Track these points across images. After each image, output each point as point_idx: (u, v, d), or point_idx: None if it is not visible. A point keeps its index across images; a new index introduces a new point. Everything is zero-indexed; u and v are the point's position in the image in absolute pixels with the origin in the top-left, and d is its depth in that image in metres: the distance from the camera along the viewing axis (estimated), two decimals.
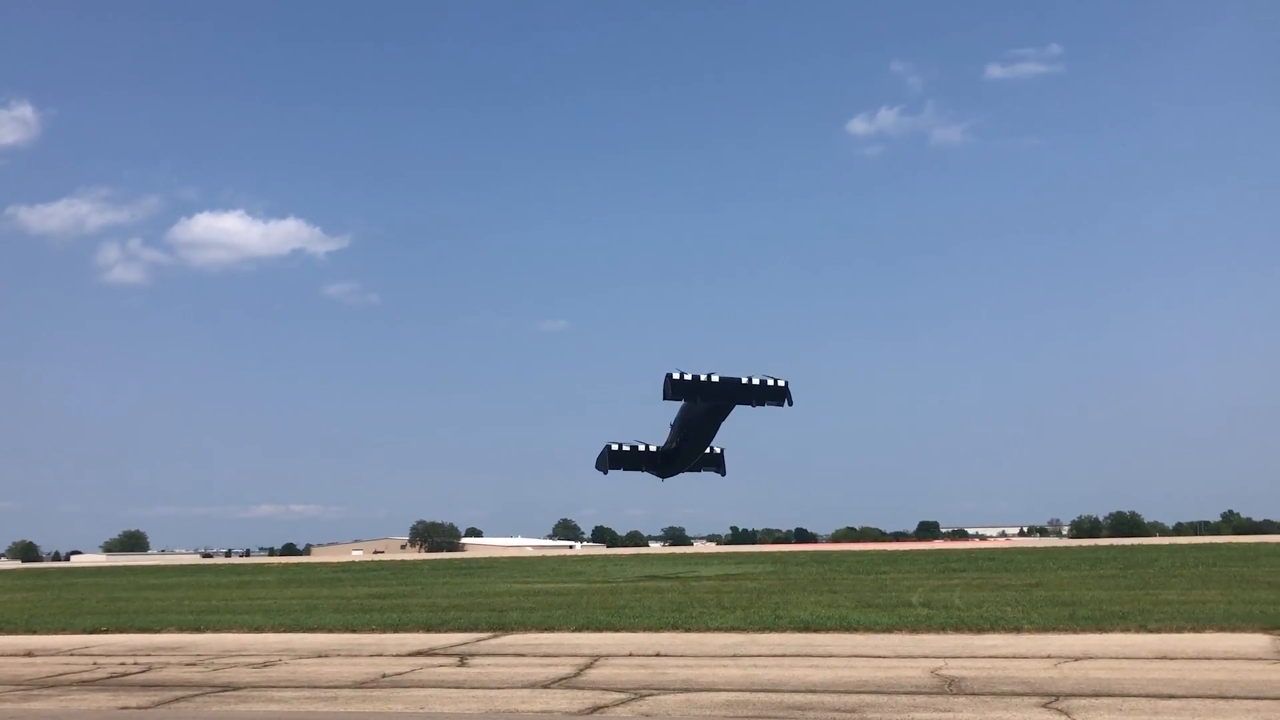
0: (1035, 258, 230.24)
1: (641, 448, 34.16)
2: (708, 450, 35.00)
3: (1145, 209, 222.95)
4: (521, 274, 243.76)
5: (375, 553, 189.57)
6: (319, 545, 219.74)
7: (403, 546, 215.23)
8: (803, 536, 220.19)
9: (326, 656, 14.42)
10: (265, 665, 13.52)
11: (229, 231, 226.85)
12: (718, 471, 36.68)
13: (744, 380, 31.17)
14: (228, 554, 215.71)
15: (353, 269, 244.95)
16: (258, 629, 18.98)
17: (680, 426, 33.35)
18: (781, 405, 31.75)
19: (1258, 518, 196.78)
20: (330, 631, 18.16)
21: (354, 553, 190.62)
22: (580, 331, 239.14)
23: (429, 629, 17.85)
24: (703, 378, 30.99)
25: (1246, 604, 18.20)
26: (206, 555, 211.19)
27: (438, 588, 33.79)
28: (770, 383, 31.25)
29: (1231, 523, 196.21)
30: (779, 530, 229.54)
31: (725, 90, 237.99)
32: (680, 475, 35.87)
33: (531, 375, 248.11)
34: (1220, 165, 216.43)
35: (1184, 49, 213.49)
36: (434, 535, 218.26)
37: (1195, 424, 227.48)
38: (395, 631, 17.73)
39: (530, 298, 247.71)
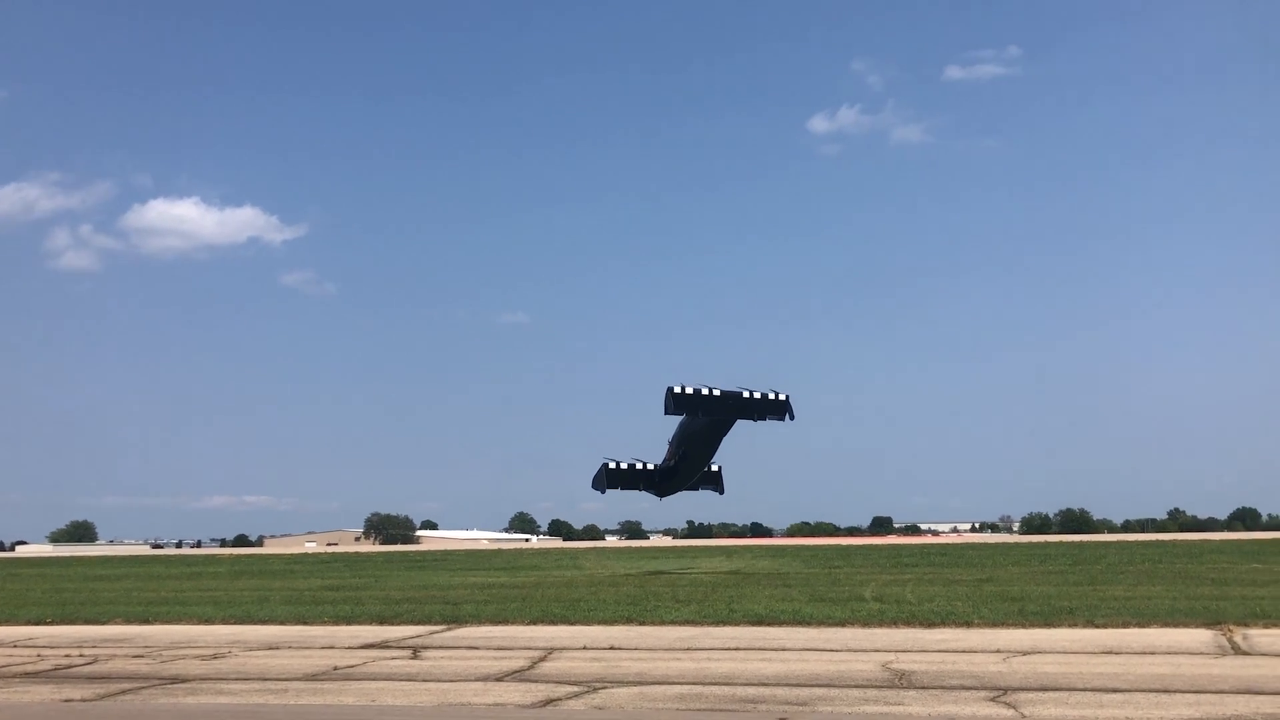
0: (990, 258, 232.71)
1: (639, 465, 32.92)
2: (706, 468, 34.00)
3: (1100, 211, 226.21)
4: (481, 266, 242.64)
5: (329, 545, 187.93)
6: (272, 537, 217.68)
7: (357, 539, 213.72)
8: (758, 531, 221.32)
9: (277, 649, 14.29)
10: (215, 657, 13.37)
11: (183, 219, 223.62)
12: (716, 490, 35.45)
13: (745, 394, 30.33)
14: (178, 545, 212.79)
15: (309, 258, 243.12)
16: (207, 621, 18.76)
17: (679, 442, 32.26)
18: (782, 419, 30.86)
19: (1202, 516, 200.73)
20: (282, 624, 18.00)
21: (307, 545, 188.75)
22: (540, 325, 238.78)
23: (382, 621, 17.74)
24: (704, 391, 30.14)
25: (1190, 600, 18.55)
26: (156, 546, 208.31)
27: (391, 580, 33.58)
28: (771, 396, 30.38)
29: (1177, 520, 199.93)
30: (735, 525, 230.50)
31: (688, 84, 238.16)
32: (678, 494, 34.78)
33: (490, 368, 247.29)
34: (1175, 166, 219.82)
35: (1140, 52, 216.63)
36: (389, 528, 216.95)
37: (1144, 425, 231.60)
38: (348, 624, 17.61)
39: (490, 290, 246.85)
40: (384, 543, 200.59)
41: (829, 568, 36.95)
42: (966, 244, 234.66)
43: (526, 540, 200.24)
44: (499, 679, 11.12)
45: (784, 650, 12.93)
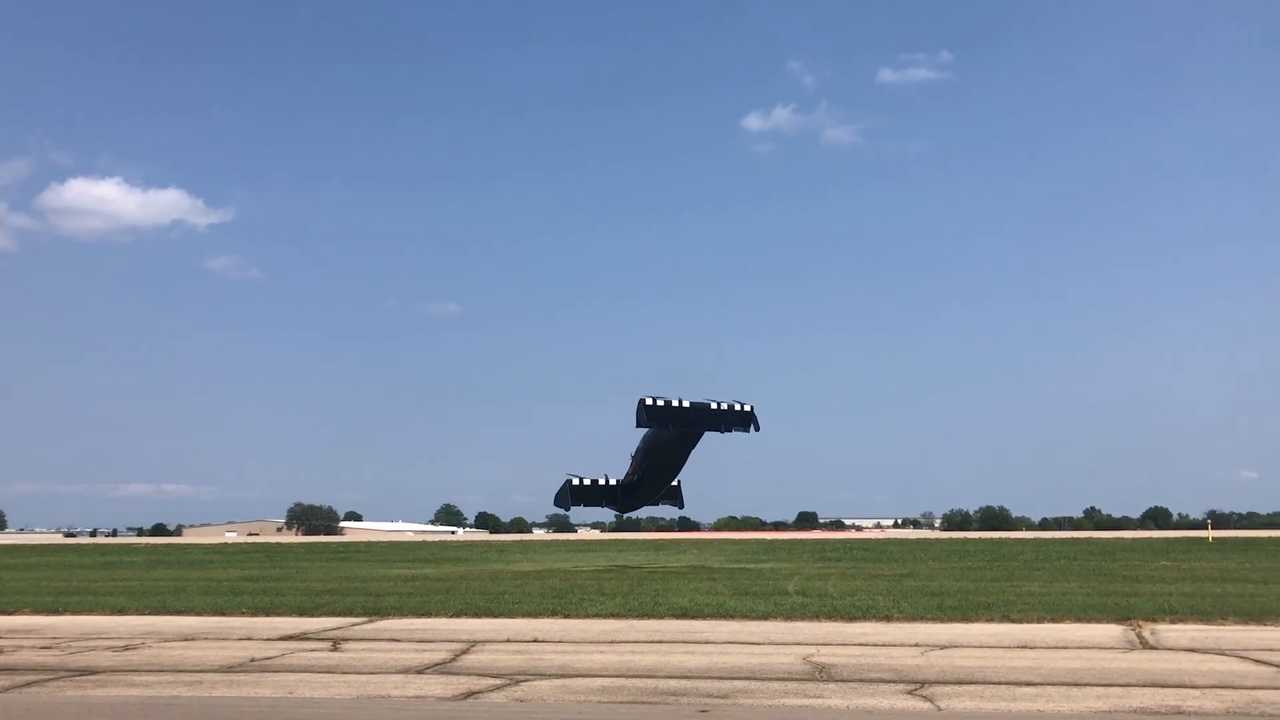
0: (915, 259, 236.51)
1: (602, 481, 32.21)
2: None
3: (1023, 215, 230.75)
4: (413, 255, 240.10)
5: (250, 535, 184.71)
6: (191, 526, 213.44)
7: (279, 529, 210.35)
8: (685, 525, 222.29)
9: (193, 640, 13.99)
10: (127, 649, 13.05)
11: (105, 199, 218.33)
12: (676, 504, 34.73)
13: (713, 405, 29.76)
14: (93, 534, 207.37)
15: (235, 243, 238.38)
16: (121, 611, 18.30)
17: (644, 455, 31.33)
18: (747, 430, 30.36)
19: (1117, 515, 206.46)
20: (198, 614, 17.63)
21: (227, 535, 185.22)
22: (471, 316, 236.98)
23: (302, 613, 17.46)
24: (675, 403, 29.44)
25: (1102, 596, 19.03)
26: (70, 535, 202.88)
27: (313, 571, 33.09)
28: (738, 408, 29.92)
29: (1093, 519, 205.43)
30: (662, 519, 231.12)
31: (626, 76, 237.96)
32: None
33: (418, 359, 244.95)
34: (1097, 169, 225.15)
35: (1068, 59, 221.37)
36: (311, 518, 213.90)
37: (1062, 427, 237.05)
38: (267, 615, 17.30)
39: (421, 280, 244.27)
40: (307, 534, 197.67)
41: (754, 561, 37.21)
42: (893, 244, 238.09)
43: (453, 533, 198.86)
44: (420, 671, 11.01)
45: (707, 643, 12.99)
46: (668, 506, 34.99)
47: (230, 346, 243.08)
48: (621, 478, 32.64)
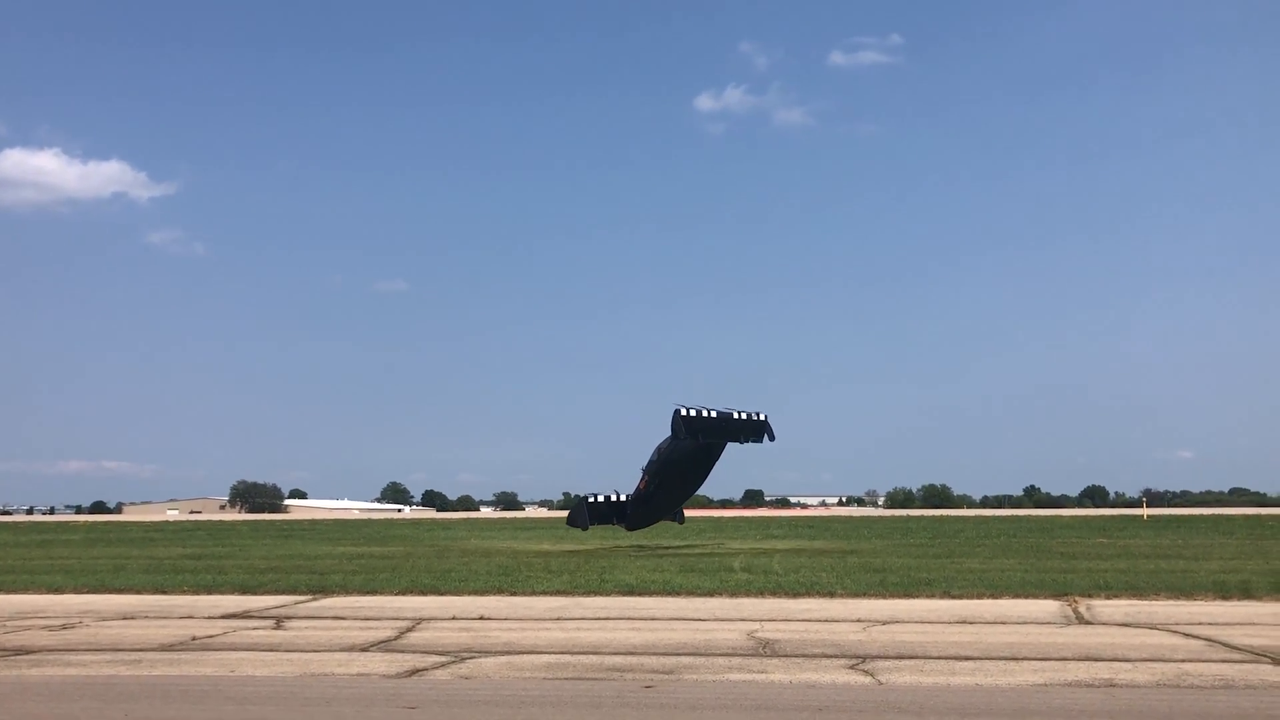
0: (862, 240, 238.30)
1: (614, 498, 30.63)
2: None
3: (970, 199, 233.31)
4: (360, 232, 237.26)
5: (192, 513, 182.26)
6: (131, 504, 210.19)
7: (222, 507, 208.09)
8: (599, 493, 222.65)
9: (133, 619, 13.80)
10: (64, 628, 12.84)
11: (42, 170, 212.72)
12: (677, 520, 33.26)
13: (736, 415, 28.52)
14: (29, 512, 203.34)
15: (178, 217, 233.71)
16: (57, 590, 17.99)
17: (663, 468, 29.47)
18: (761, 441, 29.16)
19: (1056, 493, 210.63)
20: (138, 593, 17.38)
21: (169, 512, 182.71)
22: (419, 293, 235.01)
23: (245, 591, 17.29)
24: (705, 413, 28.02)
25: (1040, 572, 19.41)
26: (4, 513, 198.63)
27: (256, 549, 32.74)
28: (756, 417, 28.81)
29: (1033, 497, 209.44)
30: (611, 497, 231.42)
31: (575, 53, 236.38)
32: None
33: (365, 335, 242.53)
34: (1043, 157, 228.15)
35: (1021, 46, 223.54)
36: (255, 496, 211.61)
37: (1003, 406, 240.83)
38: (209, 593, 17.11)
39: (368, 256, 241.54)
40: (250, 511, 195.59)
41: (702, 538, 37.42)
42: (840, 225, 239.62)
43: (399, 511, 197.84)
44: (364, 649, 10.96)
45: (653, 620, 13.07)
46: (667, 521, 33.23)
47: (172, 322, 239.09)
48: (631, 493, 30.87)
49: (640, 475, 30.47)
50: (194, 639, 11.76)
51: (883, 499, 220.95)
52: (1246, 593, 15.34)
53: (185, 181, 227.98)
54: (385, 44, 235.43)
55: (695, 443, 28.51)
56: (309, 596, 16.41)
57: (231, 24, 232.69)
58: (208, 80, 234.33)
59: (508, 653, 10.59)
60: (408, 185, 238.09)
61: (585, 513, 29.39)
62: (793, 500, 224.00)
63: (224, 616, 13.90)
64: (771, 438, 28.98)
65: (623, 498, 30.57)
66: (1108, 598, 15.01)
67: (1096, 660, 9.74)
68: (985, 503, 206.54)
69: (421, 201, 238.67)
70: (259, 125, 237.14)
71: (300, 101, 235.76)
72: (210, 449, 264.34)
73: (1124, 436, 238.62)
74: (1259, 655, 9.98)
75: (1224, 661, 9.67)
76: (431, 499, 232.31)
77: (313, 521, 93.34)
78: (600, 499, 30.43)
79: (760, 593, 16.03)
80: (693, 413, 27.83)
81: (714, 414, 28.22)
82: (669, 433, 28.30)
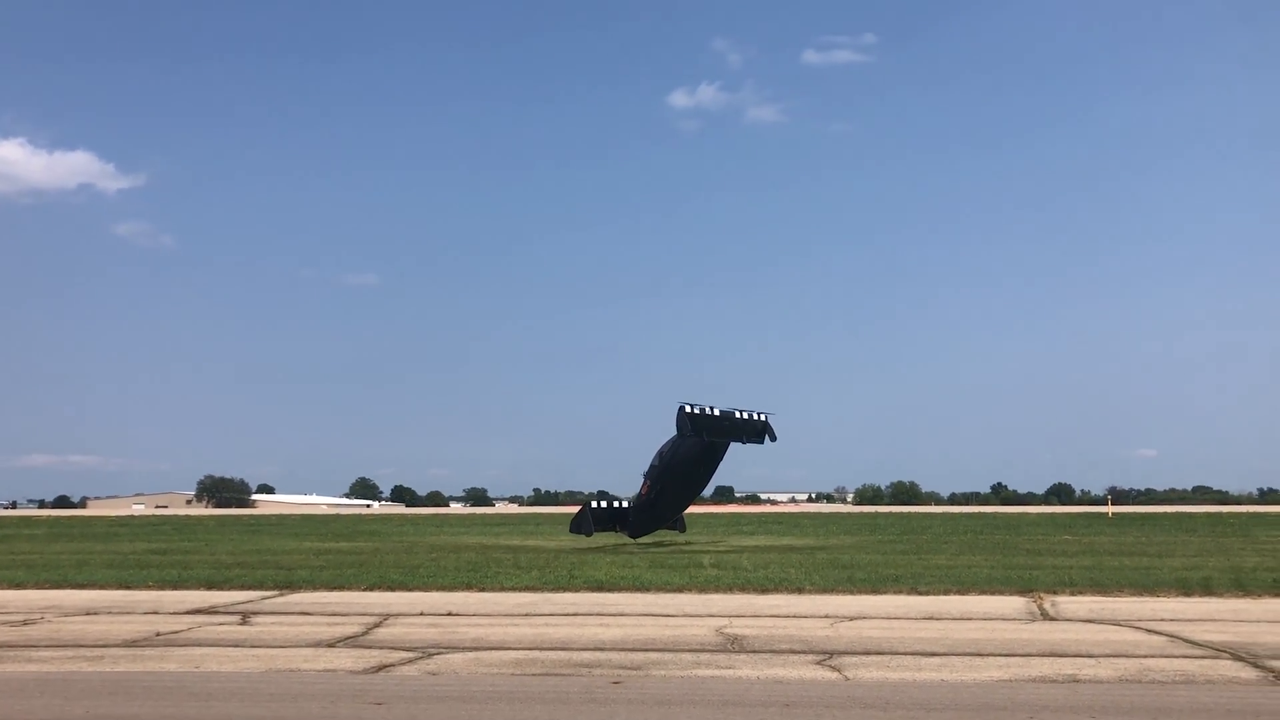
0: (832, 238, 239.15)
1: (617, 504, 30.09)
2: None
3: (941, 198, 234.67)
4: (331, 225, 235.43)
5: (158, 508, 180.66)
6: (96, 499, 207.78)
7: (189, 502, 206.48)
8: (603, 498, 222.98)
9: (96, 614, 13.65)
10: (25, 623, 12.68)
11: (7, 160, 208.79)
12: (678, 528, 32.33)
13: (739, 414, 28.24)
14: None
15: (146, 209, 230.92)
16: (19, 585, 17.77)
17: (665, 470, 29.00)
18: (762, 442, 28.95)
19: (1023, 490, 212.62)
20: (102, 588, 17.21)
21: (135, 507, 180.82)
22: (389, 287, 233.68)
23: (211, 586, 17.15)
24: (708, 410, 27.66)
25: (1006, 569, 19.58)
26: None
27: (223, 544, 32.48)
28: (759, 417, 28.60)
29: (1000, 495, 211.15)
30: (581, 493, 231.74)
31: (548, 49, 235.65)
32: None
33: (335, 329, 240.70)
34: (1012, 158, 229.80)
35: (994, 45, 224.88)
36: (223, 491, 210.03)
37: (972, 404, 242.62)
38: (174, 588, 16.96)
39: (339, 250, 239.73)
40: (217, 506, 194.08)
41: (672, 535, 37.38)
42: (811, 223, 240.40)
43: (368, 506, 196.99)
44: (331, 645, 10.90)
45: (622, 615, 13.08)
46: (667, 529, 32.21)
47: (139, 315, 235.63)
48: (634, 498, 30.30)
49: (642, 481, 30.02)
50: (158, 635, 11.65)
51: (851, 495, 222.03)
52: (1208, 589, 15.54)
53: (154, 173, 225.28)
54: (356, 40, 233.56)
55: (700, 441, 28.24)
56: (276, 592, 16.30)
57: (201, 15, 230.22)
58: (178, 71, 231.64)
59: (476, 649, 10.56)
60: (379, 179, 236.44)
61: (590, 519, 28.67)
62: (762, 497, 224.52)
63: (189, 612, 13.79)
64: (773, 438, 28.79)
65: (625, 504, 30.09)
66: (1072, 594, 15.16)
67: (1060, 656, 9.84)
68: (953, 500, 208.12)
69: (393, 196, 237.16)
70: (229, 117, 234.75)
71: (271, 95, 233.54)
72: (177, 443, 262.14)
73: (1090, 435, 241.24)
74: (1219, 650, 10.12)
75: (1185, 657, 9.80)
76: (401, 494, 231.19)
77: (280, 517, 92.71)
78: (603, 505, 29.83)
79: (729, 589, 16.07)
80: (697, 410, 27.59)
81: (718, 412, 28.01)
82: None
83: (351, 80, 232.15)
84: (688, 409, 27.53)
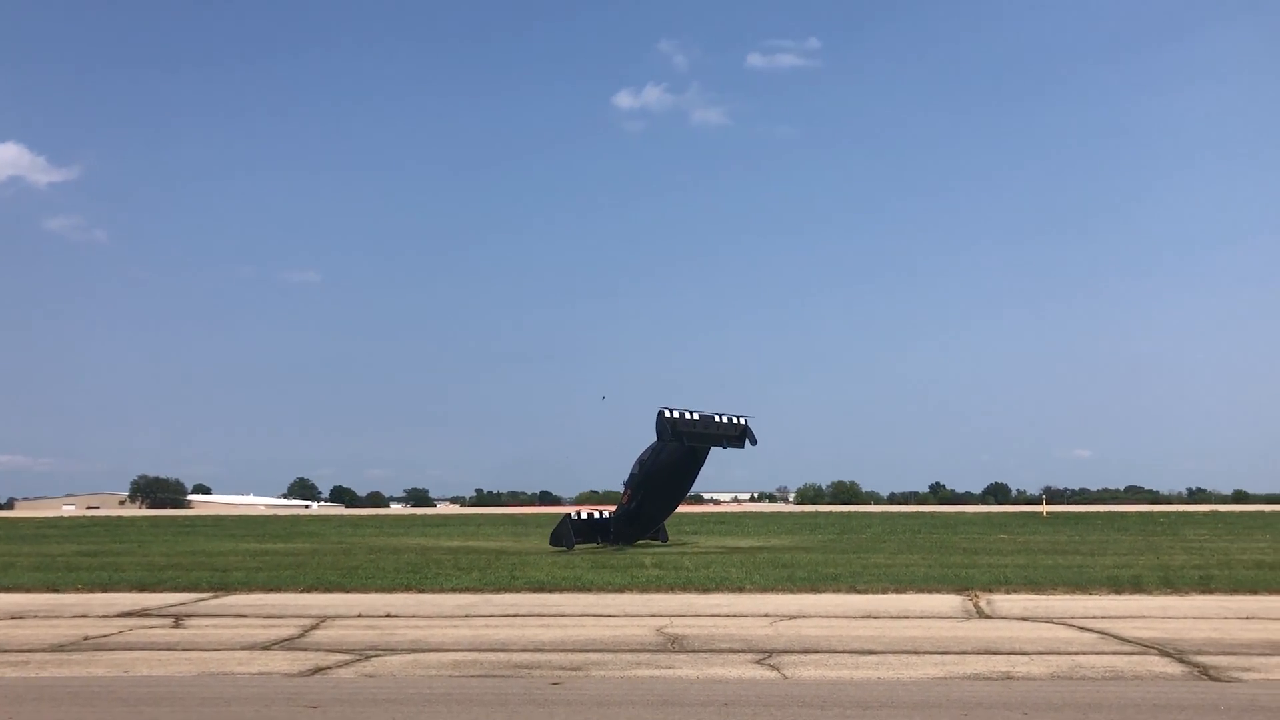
0: (775, 240, 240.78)
1: (598, 515, 29.64)
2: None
3: (882, 202, 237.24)
4: (271, 221, 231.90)
5: (89, 508, 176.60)
6: (24, 500, 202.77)
7: (121, 502, 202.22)
8: (546, 499, 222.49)
9: (21, 618, 13.31)
10: None
11: None
12: (660, 538, 31.11)
13: (719, 418, 27.90)
14: None
15: (78, 203, 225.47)
16: None
17: (646, 479, 28.56)
18: (742, 446, 28.73)
19: (960, 490, 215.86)
20: (28, 591, 16.78)
21: (65, 508, 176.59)
22: (331, 285, 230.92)
23: (143, 589, 16.81)
24: (688, 415, 27.27)
25: (943, 567, 19.83)
26: None
27: (156, 546, 31.85)
28: (738, 421, 28.28)
29: (938, 494, 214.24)
30: (524, 493, 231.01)
31: (493, 47, 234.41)
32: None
33: (274, 327, 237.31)
34: (960, 162, 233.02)
35: (937, 53, 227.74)
36: (157, 491, 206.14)
37: (910, 405, 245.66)
38: (104, 591, 16.59)
39: (279, 246, 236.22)
40: (152, 507, 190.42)
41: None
42: (755, 225, 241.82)
43: (306, 506, 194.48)
44: (266, 647, 10.73)
45: (562, 616, 13.04)
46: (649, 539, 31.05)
47: (71, 311, 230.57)
48: (616, 509, 29.79)
49: (623, 489, 29.67)
50: (86, 639, 11.38)
51: (793, 495, 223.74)
52: (1138, 587, 15.87)
53: (87, 166, 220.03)
54: (296, 35, 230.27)
55: (680, 447, 28.02)
56: (210, 594, 16.02)
57: (135, 8, 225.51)
58: (111, 61, 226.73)
59: (414, 650, 10.46)
60: (321, 176, 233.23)
61: (570, 532, 27.94)
62: (705, 496, 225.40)
63: (119, 615, 13.49)
64: (753, 442, 28.52)
65: (606, 514, 29.69)
66: (1007, 592, 15.40)
67: (995, 653, 9.98)
68: (892, 499, 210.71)
69: (336, 193, 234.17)
70: (164, 109, 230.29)
71: (208, 87, 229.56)
72: (110, 442, 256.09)
73: (1025, 436, 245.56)
74: (1148, 647, 10.33)
75: (1115, 653, 9.99)
76: (340, 495, 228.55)
77: (217, 517, 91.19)
78: (583, 516, 29.35)
79: (671, 588, 16.09)
80: (676, 414, 27.34)
81: (697, 416, 27.78)
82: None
83: (293, 75, 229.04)
84: (667, 414, 27.28)
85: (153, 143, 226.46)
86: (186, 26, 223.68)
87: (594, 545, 29.29)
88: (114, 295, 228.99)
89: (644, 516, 29.18)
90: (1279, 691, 8.21)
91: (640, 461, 29.15)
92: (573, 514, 29.28)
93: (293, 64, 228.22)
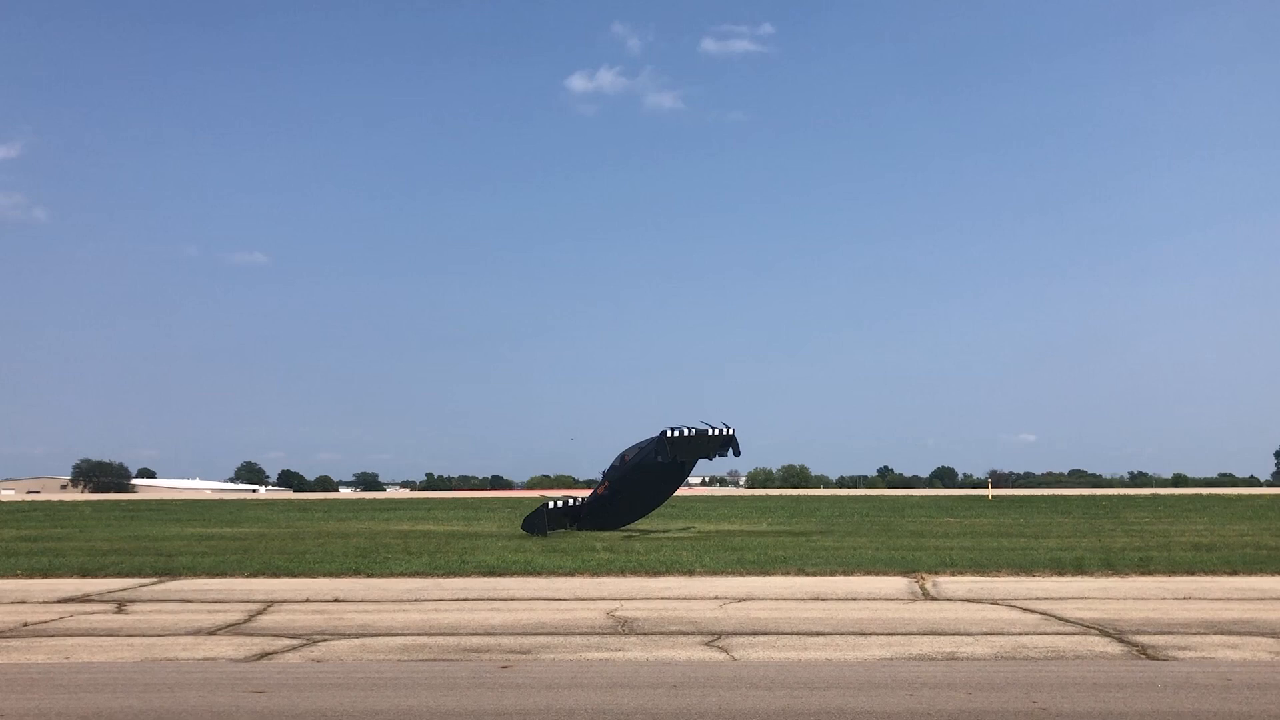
0: (727, 224, 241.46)
1: (572, 501, 29.03)
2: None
3: (833, 189, 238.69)
4: (215, 202, 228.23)
5: (29, 493, 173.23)
6: None
7: (63, 487, 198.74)
8: (498, 483, 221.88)
9: None
10: None
11: None
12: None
13: (711, 431, 27.58)
14: None
15: (18, 180, 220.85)
16: None
17: (625, 478, 28.25)
18: (726, 455, 28.27)
19: (908, 474, 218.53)
20: None
21: (4, 492, 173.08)
22: (278, 266, 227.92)
23: (85, 574, 16.52)
24: (686, 433, 27.04)
25: (890, 550, 20.06)
26: None
27: (99, 530, 31.33)
28: (726, 432, 27.83)
29: (886, 477, 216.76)
30: (475, 478, 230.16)
31: (446, 26, 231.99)
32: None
33: (220, 309, 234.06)
34: (907, 149, 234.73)
35: (889, 40, 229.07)
36: (100, 475, 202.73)
37: (860, 389, 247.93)
38: (45, 577, 16.29)
39: (225, 227, 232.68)
40: (95, 491, 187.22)
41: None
42: (707, 209, 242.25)
43: (253, 491, 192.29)
44: (211, 633, 10.61)
45: (513, 600, 13.02)
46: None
47: (10, 291, 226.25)
48: (589, 496, 29.38)
49: (601, 478, 29.44)
50: (25, 625, 11.18)
51: (744, 479, 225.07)
52: (1080, 569, 16.16)
53: (27, 143, 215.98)
54: (240, 7, 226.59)
55: (674, 463, 27.87)
56: (154, 579, 15.80)
57: None
58: (53, 36, 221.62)
59: (362, 635, 10.40)
60: (269, 157, 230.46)
61: (545, 519, 27.47)
62: None
63: (60, 601, 13.27)
64: (737, 453, 28.30)
65: (579, 500, 29.34)
66: (953, 574, 15.61)
67: (940, 634, 10.12)
68: (841, 483, 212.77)
69: (284, 173, 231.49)
70: (106, 86, 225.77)
71: (152, 63, 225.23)
72: (51, 425, 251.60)
73: (972, 421, 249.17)
74: (1089, 627, 10.54)
75: (1057, 634, 10.17)
76: (288, 479, 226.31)
77: (161, 502, 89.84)
78: (559, 504, 28.80)
79: (621, 572, 16.13)
80: (678, 433, 27.25)
81: (692, 432, 27.61)
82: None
83: (239, 55, 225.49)
84: (669, 433, 27.19)
85: (95, 121, 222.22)
86: (129, 5, 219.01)
87: (564, 530, 29.26)
88: (55, 275, 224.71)
89: (615, 512, 28.85)
90: (1213, 669, 8.41)
91: (623, 457, 28.79)
92: (550, 503, 29.01)
93: (239, 43, 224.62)
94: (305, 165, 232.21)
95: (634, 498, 28.63)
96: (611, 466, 29.34)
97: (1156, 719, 6.76)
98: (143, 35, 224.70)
